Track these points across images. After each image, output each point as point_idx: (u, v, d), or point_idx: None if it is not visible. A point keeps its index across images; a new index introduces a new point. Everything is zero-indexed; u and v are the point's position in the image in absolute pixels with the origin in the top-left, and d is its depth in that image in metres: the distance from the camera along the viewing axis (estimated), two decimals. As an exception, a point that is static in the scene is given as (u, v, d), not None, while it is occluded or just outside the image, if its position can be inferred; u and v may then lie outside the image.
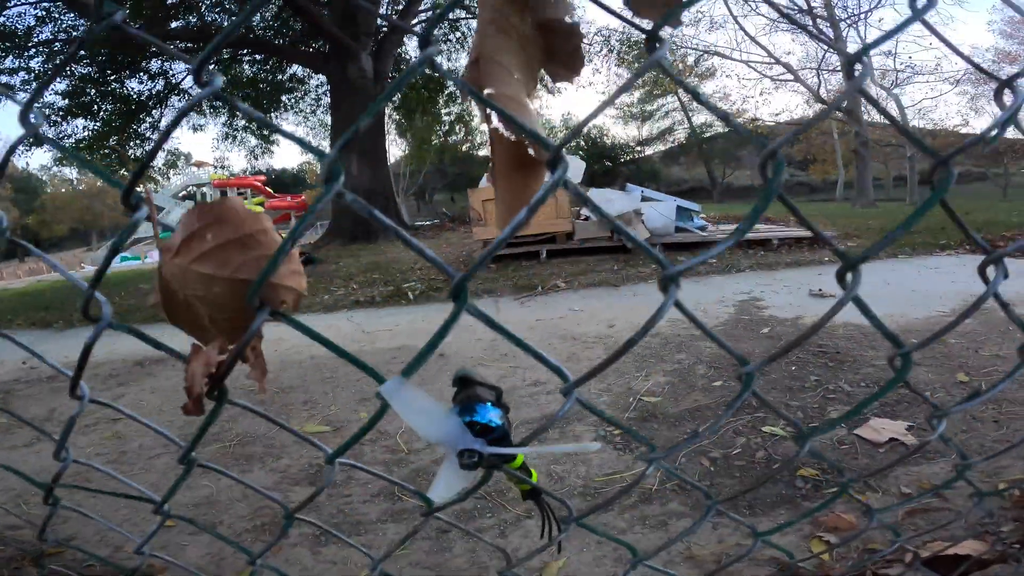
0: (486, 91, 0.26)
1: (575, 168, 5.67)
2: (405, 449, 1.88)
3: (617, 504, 1.40)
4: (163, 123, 12.56)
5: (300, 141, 0.28)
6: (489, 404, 0.35)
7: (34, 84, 10.37)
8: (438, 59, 0.27)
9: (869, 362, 2.18)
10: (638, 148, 32.58)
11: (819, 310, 3.13)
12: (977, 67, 0.45)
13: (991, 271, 0.40)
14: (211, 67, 0.29)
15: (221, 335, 0.31)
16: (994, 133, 0.36)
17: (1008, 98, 0.38)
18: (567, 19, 0.29)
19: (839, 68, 17.03)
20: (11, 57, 9.98)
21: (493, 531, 1.35)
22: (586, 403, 0.34)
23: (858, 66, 0.35)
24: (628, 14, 0.28)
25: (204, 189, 12.78)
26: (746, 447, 1.63)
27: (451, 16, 12.57)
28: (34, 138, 0.34)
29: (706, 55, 19.78)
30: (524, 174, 0.29)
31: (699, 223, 5.60)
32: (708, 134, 29.40)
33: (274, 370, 2.92)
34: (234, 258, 0.28)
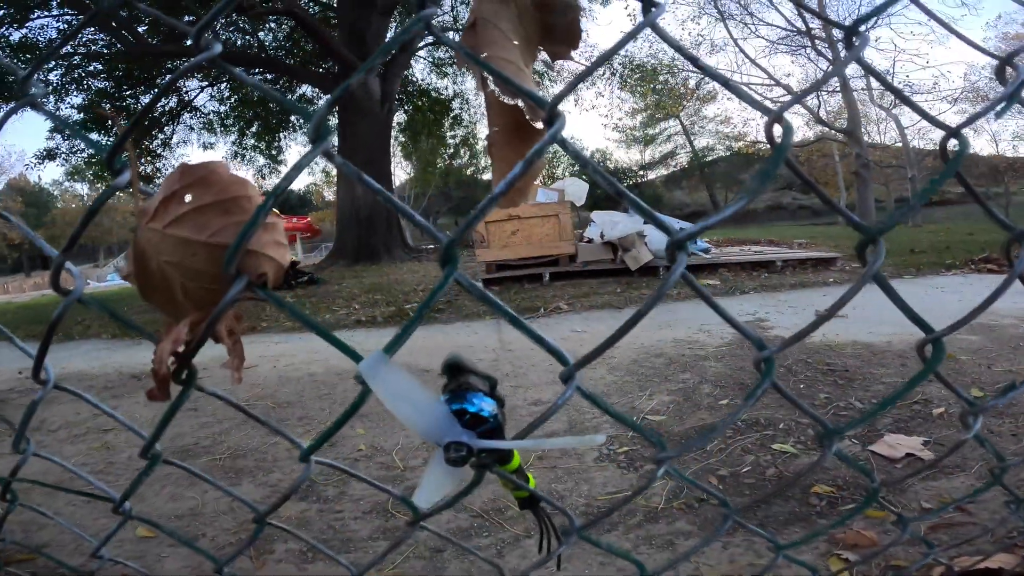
0: (483, 54, 0.25)
1: (579, 190, 5.71)
2: (401, 466, 1.84)
3: (622, 524, 1.36)
4: (174, 140, 12.73)
5: (281, 99, 0.26)
6: (481, 393, 0.32)
7: (52, 96, 10.52)
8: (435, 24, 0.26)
9: (879, 379, 2.14)
10: (640, 172, 32.89)
11: (826, 330, 3.09)
12: (976, 46, 0.44)
13: (1016, 251, 0.38)
14: (209, 36, 0.28)
15: (195, 310, 0.29)
16: (1001, 106, 0.34)
17: (1011, 75, 0.37)
18: None
19: (838, 89, 17.27)
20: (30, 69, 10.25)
21: (490, 550, 1.30)
22: (587, 392, 0.32)
23: (856, 39, 0.34)
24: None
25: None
26: (756, 465, 1.58)
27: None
28: (31, 106, 0.33)
29: (707, 78, 20.11)
30: (522, 141, 0.27)
31: (703, 245, 5.60)
32: (710, 158, 29.67)
33: (272, 386, 2.89)
34: (213, 222, 0.26)
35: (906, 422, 1.72)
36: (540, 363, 2.96)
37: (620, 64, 18.08)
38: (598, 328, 3.67)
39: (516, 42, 0.27)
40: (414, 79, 14.35)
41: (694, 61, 0.30)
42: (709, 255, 5.54)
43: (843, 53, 0.35)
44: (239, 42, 11.84)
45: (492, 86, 0.27)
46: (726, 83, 0.29)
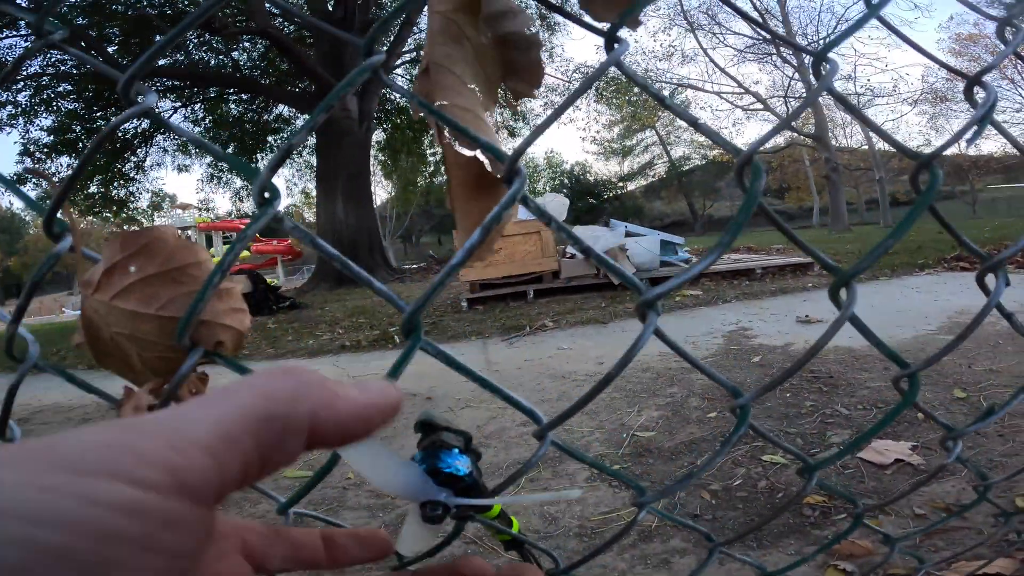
0: (437, 103, 0.24)
1: (559, 205, 5.73)
2: (390, 494, 1.79)
3: (616, 544, 1.34)
4: (148, 163, 12.45)
5: (238, 162, 0.25)
6: (456, 450, 0.31)
7: (21, 118, 10.23)
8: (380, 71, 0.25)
9: (863, 384, 2.16)
10: (620, 184, 33.29)
11: (808, 336, 3.13)
12: (944, 64, 0.45)
13: (990, 280, 0.38)
14: (143, 83, 0.26)
15: (154, 376, 0.27)
16: (974, 130, 0.34)
17: (980, 95, 0.37)
18: (525, 31, 0.27)
19: (804, 95, 17.82)
20: None
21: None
22: (562, 446, 0.31)
23: (825, 64, 0.34)
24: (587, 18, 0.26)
25: (189, 232, 12.67)
26: (747, 477, 1.58)
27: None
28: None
29: (679, 88, 20.55)
30: (484, 195, 0.27)
31: (684, 256, 5.65)
32: (687, 167, 30.19)
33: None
34: (162, 293, 0.24)
35: (894, 426, 1.74)
36: (527, 382, 2.94)
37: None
38: (584, 344, 3.67)
39: (474, 86, 0.26)
40: (392, 97, 14.38)
41: (661, 101, 0.29)
42: (690, 264, 5.60)
43: (813, 80, 0.35)
44: (212, 62, 11.74)
45: (448, 136, 0.26)
46: (695, 123, 0.29)
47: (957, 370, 2.16)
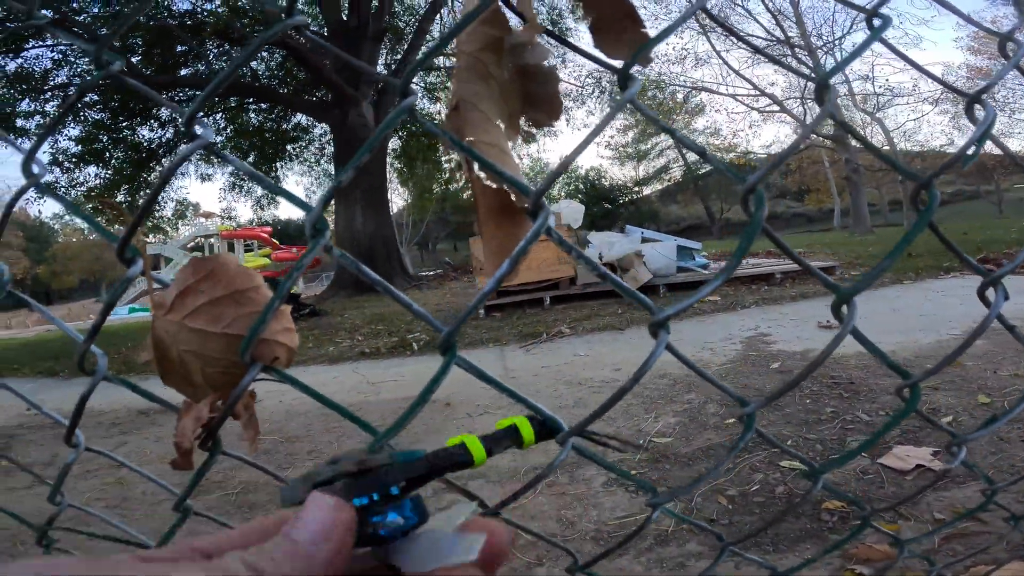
0: (467, 139, 0.27)
1: (575, 212, 5.74)
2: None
3: (633, 547, 1.36)
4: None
5: (288, 195, 0.28)
6: (389, 509, 0.26)
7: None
8: (418, 106, 0.28)
9: (885, 390, 2.14)
10: (636, 188, 33.13)
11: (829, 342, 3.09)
12: (946, 85, 0.46)
13: (991, 293, 0.39)
14: (201, 116, 0.29)
15: (213, 391, 0.30)
16: (972, 150, 0.36)
17: (979, 113, 0.38)
18: (544, 64, 0.30)
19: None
20: (27, 100, 10.09)
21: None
22: (584, 451, 0.33)
23: (826, 91, 0.36)
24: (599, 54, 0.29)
25: (212, 240, 12.94)
26: (764, 483, 1.58)
27: (449, 64, 13.01)
28: (38, 188, 0.34)
29: (694, 91, 20.42)
30: (509, 222, 0.29)
31: (701, 261, 5.61)
32: (703, 170, 29.91)
33: (280, 420, 2.89)
34: (226, 313, 0.28)
35: (915, 432, 1.72)
36: (544, 389, 2.95)
37: (609, 82, 18.35)
38: (601, 351, 3.67)
39: (499, 122, 0.29)
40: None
41: (672, 134, 0.32)
42: (708, 271, 5.56)
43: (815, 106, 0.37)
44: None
45: (477, 170, 0.29)
46: (702, 153, 0.31)
47: (982, 375, 2.13)
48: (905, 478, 1.48)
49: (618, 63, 0.27)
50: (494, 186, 0.28)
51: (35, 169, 0.35)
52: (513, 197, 0.28)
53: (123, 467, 2.39)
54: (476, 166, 0.28)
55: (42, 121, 10.53)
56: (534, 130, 0.32)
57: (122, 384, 0.34)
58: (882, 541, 1.18)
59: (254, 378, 0.28)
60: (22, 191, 0.36)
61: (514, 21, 0.29)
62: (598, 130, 0.29)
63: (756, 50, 0.46)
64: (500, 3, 0.27)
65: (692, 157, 29.68)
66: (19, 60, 9.84)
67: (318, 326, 6.27)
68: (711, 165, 0.30)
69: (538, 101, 0.30)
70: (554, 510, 1.67)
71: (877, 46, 0.40)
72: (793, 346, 3.07)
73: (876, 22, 0.36)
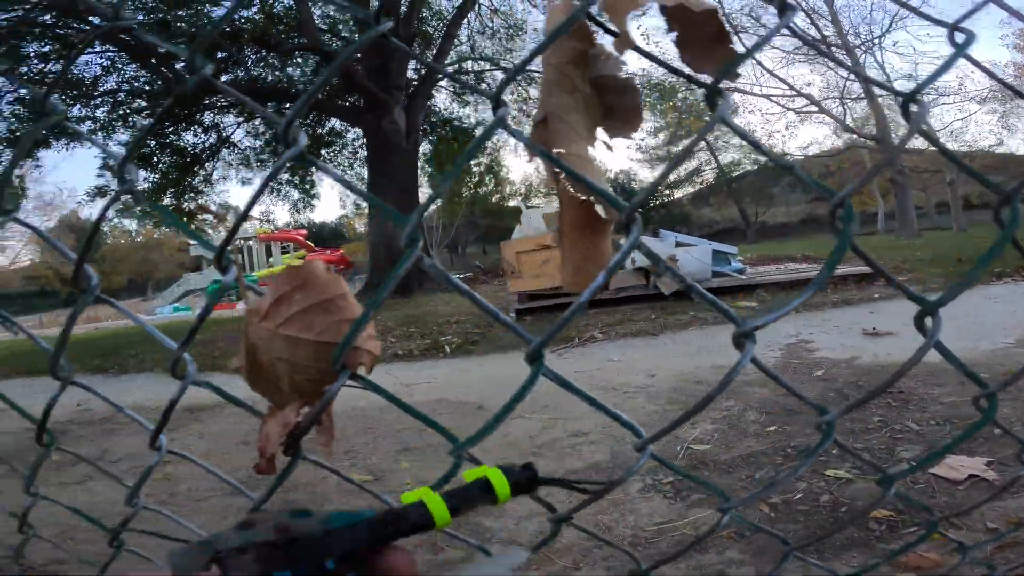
0: (555, 151, 0.28)
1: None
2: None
3: (668, 553, 1.35)
4: (215, 176, 13.18)
5: (384, 206, 0.30)
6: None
7: (100, 133, 10.98)
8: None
9: (936, 399, 2.05)
10: (667, 191, 32.65)
11: (875, 350, 2.98)
12: (1016, 92, 0.45)
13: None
14: (296, 125, 0.31)
15: (299, 398, 0.32)
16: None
17: None
18: (624, 76, 0.30)
19: (862, 96, 16.89)
20: (79, 105, 10.46)
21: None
22: (660, 459, 0.33)
23: (913, 106, 0.35)
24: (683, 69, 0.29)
25: (250, 243, 13.36)
26: (808, 492, 1.55)
27: (475, 68, 13.12)
28: (131, 195, 0.36)
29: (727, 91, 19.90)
30: (592, 233, 0.30)
31: (737, 266, 5.49)
32: (736, 172, 29.22)
33: (317, 424, 2.96)
34: (318, 322, 0.29)
35: (968, 442, 1.65)
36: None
37: (640, 84, 18.07)
38: (634, 356, 3.63)
39: (585, 134, 0.29)
40: (437, 109, 14.67)
41: (758, 146, 0.31)
42: (745, 275, 5.43)
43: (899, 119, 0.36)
44: (269, 78, 12.32)
45: (564, 181, 0.29)
46: (790, 168, 0.30)
47: (1044, 387, 2.02)
48: (958, 488, 1.43)
49: (706, 78, 0.27)
50: (581, 198, 0.28)
51: (127, 175, 0.37)
52: (599, 209, 0.28)
53: (170, 463, 2.48)
54: (563, 177, 0.28)
55: (93, 126, 10.96)
56: (610, 141, 0.32)
57: (208, 388, 0.36)
58: (932, 549, 1.14)
59: (343, 385, 0.29)
60: (116, 196, 0.38)
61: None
62: (695, 142, 0.29)
63: (821, 54, 0.45)
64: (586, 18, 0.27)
65: (725, 159, 29.08)
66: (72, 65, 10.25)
67: (352, 327, 6.38)
68: (800, 179, 0.30)
69: (618, 113, 0.31)
70: (591, 515, 1.66)
71: (923, 33, 0.38)
72: (837, 354, 2.97)
73: (959, 37, 0.35)
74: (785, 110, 20.15)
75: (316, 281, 0.29)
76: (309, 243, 12.78)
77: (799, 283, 5.11)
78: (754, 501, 1.58)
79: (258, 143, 13.87)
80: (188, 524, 0.56)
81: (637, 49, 0.27)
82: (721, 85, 0.27)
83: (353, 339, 0.28)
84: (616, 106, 0.30)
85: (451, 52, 12.17)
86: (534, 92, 14.09)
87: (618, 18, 0.25)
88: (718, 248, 5.52)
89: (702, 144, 29.59)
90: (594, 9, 0.26)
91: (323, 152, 14.62)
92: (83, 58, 10.10)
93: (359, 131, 12.99)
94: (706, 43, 0.27)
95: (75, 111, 10.64)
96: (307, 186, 15.80)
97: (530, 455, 2.15)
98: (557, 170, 0.28)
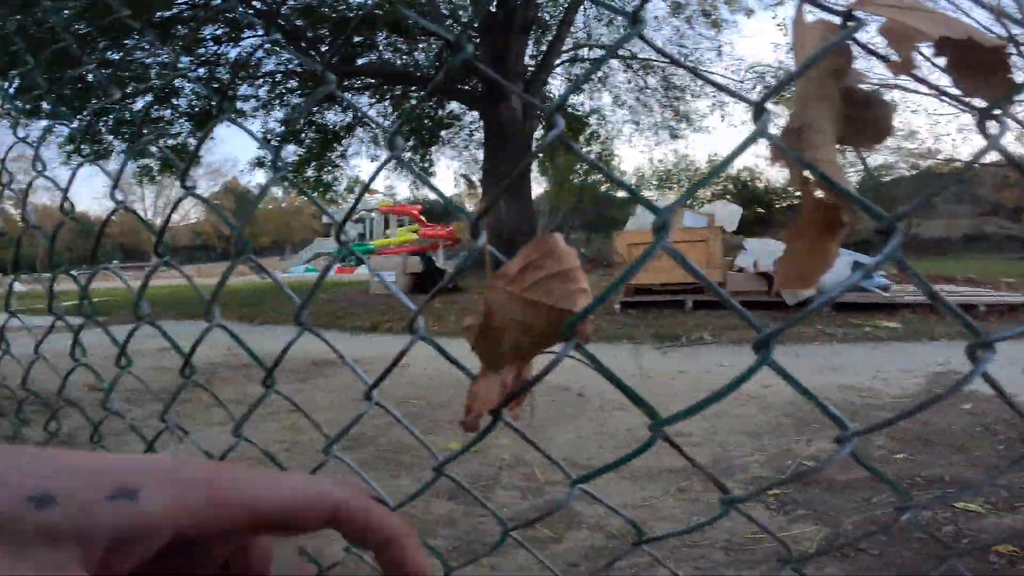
0: (807, 156, 0.29)
1: (731, 214, 5.41)
2: (541, 479, 1.91)
3: (764, 563, 1.35)
4: (349, 151, 14.42)
5: (460, 210, 0.32)
6: None
7: (261, 111, 12.26)
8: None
9: None
10: (795, 192, 29.83)
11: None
12: None
13: None
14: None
15: (513, 361, 0.36)
16: None
17: None
18: (861, 86, 0.30)
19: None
20: (245, 85, 11.79)
21: (626, 571, 1.31)
22: (861, 460, 0.34)
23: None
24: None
25: (373, 214, 14.40)
26: (931, 520, 1.49)
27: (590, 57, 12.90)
28: (396, 161, 0.42)
29: (883, 88, 17.67)
30: (827, 237, 0.31)
31: (881, 281, 4.90)
32: (888, 177, 25.80)
33: (424, 386, 3.17)
34: (557, 289, 0.33)
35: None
36: (682, 393, 2.87)
37: (772, 77, 16.70)
38: (745, 363, 3.42)
39: (833, 141, 0.30)
40: (551, 95, 14.68)
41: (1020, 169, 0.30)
42: (888, 293, 4.85)
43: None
44: (398, 62, 13.07)
45: (811, 185, 0.30)
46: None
47: None
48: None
49: (981, 103, 0.26)
50: (827, 201, 0.29)
51: (397, 144, 0.43)
52: (843, 215, 0.29)
53: (296, 412, 2.81)
54: (811, 179, 0.29)
55: (256, 104, 12.33)
56: (846, 148, 0.33)
57: (434, 346, 0.42)
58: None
59: (568, 352, 0.33)
60: (386, 161, 0.45)
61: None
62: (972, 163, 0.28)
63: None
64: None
65: (874, 162, 25.88)
66: (238, 48, 11.63)
67: (458, 301, 6.70)
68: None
69: (865, 124, 0.31)
70: (684, 514, 1.65)
71: None
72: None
73: None
74: (959, 111, 17.47)
75: (558, 252, 0.33)
76: (422, 218, 13.51)
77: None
78: (935, 506, 1.47)
79: (386, 122, 14.77)
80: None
81: (913, 75, 0.27)
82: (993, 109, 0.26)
83: (594, 308, 0.31)
84: (866, 118, 0.31)
85: (567, 38, 12.09)
86: (651, 80, 13.60)
87: (903, 47, 0.26)
88: (860, 260, 4.99)
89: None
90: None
91: (442, 134, 15.28)
92: (248, 41, 11.33)
93: (476, 114, 13.39)
94: (983, 71, 0.26)
95: (243, 90, 11.98)
96: (424, 165, 16.63)
97: (625, 448, 2.14)
98: (802, 172, 0.30)
